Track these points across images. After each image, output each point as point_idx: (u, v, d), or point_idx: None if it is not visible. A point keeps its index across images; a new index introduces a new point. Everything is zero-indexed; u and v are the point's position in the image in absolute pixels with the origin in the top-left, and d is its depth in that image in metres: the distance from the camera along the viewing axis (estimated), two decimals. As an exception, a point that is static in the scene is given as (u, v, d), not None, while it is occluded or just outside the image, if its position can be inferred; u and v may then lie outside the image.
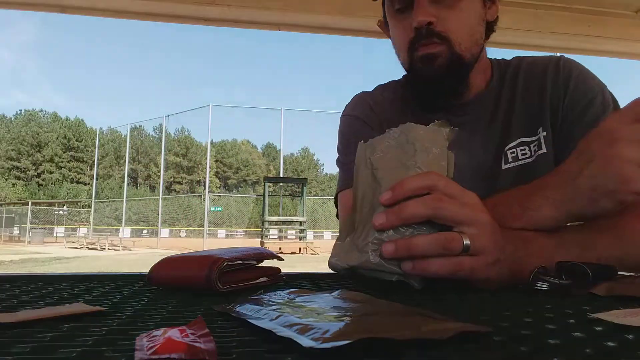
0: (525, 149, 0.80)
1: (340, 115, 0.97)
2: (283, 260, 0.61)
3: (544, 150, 0.79)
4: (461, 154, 0.83)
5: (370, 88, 0.98)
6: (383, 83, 0.97)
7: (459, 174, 0.82)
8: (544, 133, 0.79)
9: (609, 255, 0.61)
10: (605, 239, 0.62)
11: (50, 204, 33.82)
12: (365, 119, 0.90)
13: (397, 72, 0.90)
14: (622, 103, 0.77)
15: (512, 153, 0.81)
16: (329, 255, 0.55)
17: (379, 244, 0.48)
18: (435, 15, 0.72)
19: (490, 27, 0.82)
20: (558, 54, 0.86)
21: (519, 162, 0.80)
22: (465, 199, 0.49)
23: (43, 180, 45.89)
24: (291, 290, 0.45)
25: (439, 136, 0.53)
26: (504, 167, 0.81)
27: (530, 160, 0.80)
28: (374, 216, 0.49)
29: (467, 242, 0.47)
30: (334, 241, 0.58)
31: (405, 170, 0.50)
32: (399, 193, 0.48)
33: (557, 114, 0.79)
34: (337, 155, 0.95)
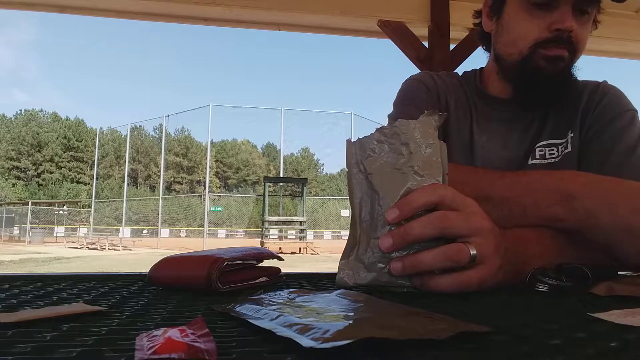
0: (553, 150, 0.85)
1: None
2: (283, 260, 0.61)
3: (570, 149, 0.84)
4: (497, 143, 0.88)
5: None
6: (437, 72, 1.00)
7: (490, 162, 0.87)
8: (572, 134, 0.85)
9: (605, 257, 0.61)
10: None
11: (50, 204, 33.82)
12: (427, 84, 0.95)
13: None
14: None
15: (540, 151, 0.86)
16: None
17: (387, 261, 0.48)
18: (575, 27, 0.78)
19: None
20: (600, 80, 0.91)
21: (546, 161, 0.85)
22: (468, 209, 0.50)
23: (43, 180, 45.89)
24: (291, 290, 0.45)
25: (430, 126, 0.52)
26: (530, 162, 0.86)
27: (556, 159, 0.85)
28: (380, 239, 0.48)
29: (473, 252, 0.47)
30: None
31: (402, 175, 0.50)
32: (405, 212, 0.48)
33: (585, 120, 0.85)
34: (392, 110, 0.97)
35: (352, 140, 0.55)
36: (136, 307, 0.41)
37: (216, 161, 44.65)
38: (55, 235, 27.27)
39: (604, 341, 0.29)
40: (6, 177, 44.26)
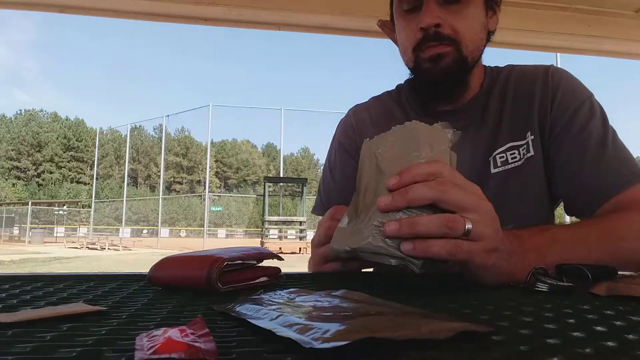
0: (514, 153, 0.82)
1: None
2: (283, 260, 0.61)
3: (532, 153, 0.81)
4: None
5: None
6: (377, 95, 1.01)
7: None
8: (532, 137, 0.82)
9: (600, 249, 0.62)
10: (595, 234, 0.64)
11: (50, 204, 33.81)
12: (347, 146, 0.97)
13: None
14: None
15: (501, 157, 0.83)
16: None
17: (382, 227, 0.49)
18: (442, 18, 0.75)
19: (488, 37, 0.85)
20: (548, 63, 0.88)
21: (509, 166, 0.82)
22: (469, 187, 0.51)
23: (43, 180, 45.86)
24: (291, 290, 0.45)
25: (443, 136, 0.54)
26: (493, 171, 0.83)
27: (519, 163, 0.82)
28: (379, 198, 0.49)
29: (469, 226, 0.47)
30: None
31: (409, 161, 0.51)
32: (406, 178, 0.48)
33: (546, 121, 0.82)
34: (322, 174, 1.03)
35: (368, 140, 0.58)
36: (136, 307, 0.41)
37: (216, 161, 44.64)
38: (55, 235, 27.27)
39: (603, 341, 0.29)
40: (6, 177, 44.24)
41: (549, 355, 0.25)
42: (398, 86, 0.97)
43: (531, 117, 0.82)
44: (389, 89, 1.00)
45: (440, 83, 0.80)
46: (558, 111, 0.81)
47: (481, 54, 0.84)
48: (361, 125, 0.96)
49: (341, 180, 0.96)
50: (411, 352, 0.26)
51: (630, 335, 0.30)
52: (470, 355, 0.26)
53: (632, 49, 3.24)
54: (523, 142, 0.82)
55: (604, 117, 0.80)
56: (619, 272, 0.54)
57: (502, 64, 0.94)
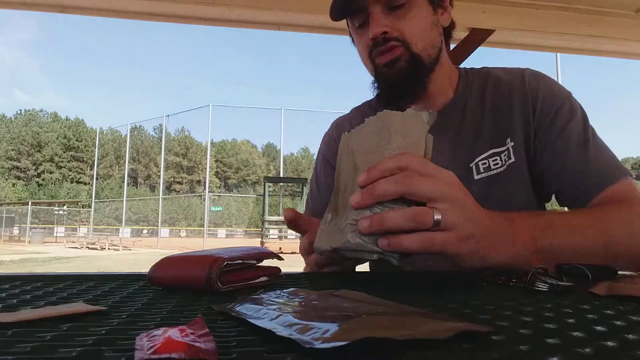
0: (496, 159, 0.84)
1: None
2: (283, 260, 0.61)
3: (513, 159, 0.83)
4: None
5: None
6: (358, 105, 1.05)
7: None
8: (512, 143, 0.83)
9: (595, 240, 0.62)
10: (591, 224, 0.65)
11: (50, 204, 33.81)
12: (329, 158, 1.00)
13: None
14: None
15: (483, 164, 0.84)
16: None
17: (357, 224, 0.50)
18: (389, 26, 0.79)
19: (447, 32, 0.88)
20: (524, 67, 0.90)
21: (491, 172, 0.83)
22: (439, 176, 0.51)
23: (43, 180, 45.85)
24: (291, 290, 0.45)
25: (416, 120, 0.54)
26: (476, 177, 0.84)
27: (502, 169, 0.83)
28: (351, 196, 0.50)
29: (437, 217, 0.48)
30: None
31: (381, 154, 0.52)
32: (373, 174, 0.49)
33: (530, 126, 0.83)
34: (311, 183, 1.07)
35: (346, 134, 0.59)
36: (136, 307, 0.41)
37: (216, 161, 44.63)
38: (55, 235, 27.28)
39: (604, 341, 0.29)
40: (6, 177, 44.24)
41: (549, 355, 0.25)
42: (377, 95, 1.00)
43: (511, 124, 0.83)
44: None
45: (399, 84, 0.83)
46: (541, 115, 0.82)
47: (439, 50, 0.85)
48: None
49: (326, 193, 0.98)
50: (411, 352, 0.26)
51: (630, 335, 0.30)
52: (470, 355, 0.26)
53: (632, 49, 3.24)
54: (503, 148, 0.83)
55: (584, 115, 0.82)
56: (619, 272, 0.54)
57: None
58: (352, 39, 0.91)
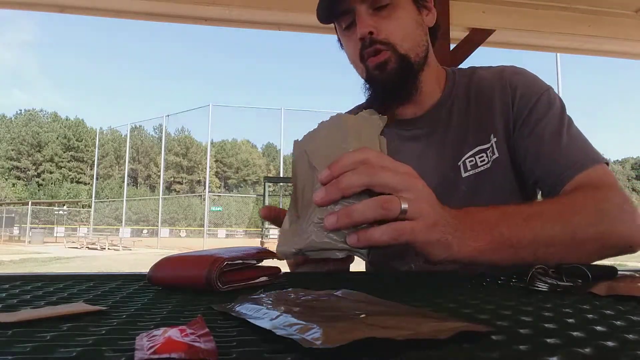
0: (483, 156, 0.85)
1: None
2: (283, 259, 0.61)
3: (497, 155, 0.84)
4: (422, 166, 0.89)
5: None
6: (350, 109, 1.05)
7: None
8: (495, 139, 0.85)
9: (554, 223, 0.63)
10: (551, 209, 0.65)
11: (50, 204, 33.83)
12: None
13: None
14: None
15: (470, 162, 0.86)
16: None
17: (322, 223, 0.49)
18: (375, 26, 0.81)
19: (433, 33, 0.90)
20: (506, 64, 0.91)
21: (479, 169, 0.85)
22: (399, 169, 0.51)
23: (43, 180, 45.85)
24: (291, 290, 0.45)
25: (369, 124, 0.55)
26: (464, 175, 0.86)
27: (488, 165, 0.85)
28: (314, 194, 0.50)
29: (404, 205, 0.48)
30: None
31: (338, 154, 0.52)
32: (336, 169, 0.49)
33: (509, 121, 0.84)
34: None
35: (298, 140, 0.58)
36: (136, 307, 0.41)
37: (216, 161, 44.62)
38: (55, 235, 27.28)
39: (603, 341, 0.29)
40: (6, 177, 44.25)
41: (549, 355, 0.25)
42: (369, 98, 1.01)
43: (493, 120, 0.85)
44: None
45: (392, 87, 0.84)
46: (519, 108, 0.84)
47: (426, 50, 0.87)
48: None
49: None
50: (411, 352, 0.26)
51: (630, 335, 0.30)
52: (470, 355, 0.26)
53: (632, 49, 3.24)
54: (488, 145, 0.85)
55: (561, 107, 0.83)
56: (619, 272, 0.54)
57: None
58: (340, 43, 0.92)
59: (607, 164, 0.77)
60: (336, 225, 0.48)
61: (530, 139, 0.81)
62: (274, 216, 0.68)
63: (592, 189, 0.72)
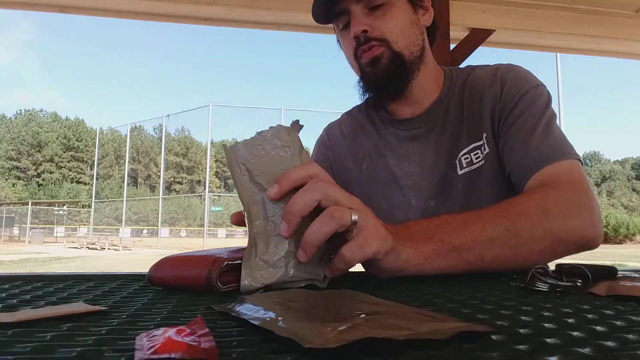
0: (477, 153, 0.86)
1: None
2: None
3: (488, 150, 0.85)
4: (420, 165, 0.90)
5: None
6: (348, 110, 1.07)
7: (414, 185, 0.90)
8: (485, 134, 0.86)
9: (496, 225, 0.63)
10: (491, 213, 0.65)
11: (50, 204, 33.83)
12: (321, 163, 1.02)
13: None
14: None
15: (466, 159, 0.87)
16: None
17: (291, 255, 0.50)
18: (369, 25, 0.82)
19: (431, 33, 0.91)
20: (505, 63, 0.91)
21: (474, 166, 0.86)
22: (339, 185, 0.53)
23: (43, 180, 45.84)
24: (291, 290, 0.45)
25: (295, 134, 0.56)
26: (460, 172, 0.86)
27: (482, 162, 0.86)
28: (280, 228, 0.50)
29: (355, 217, 0.49)
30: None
31: (282, 168, 0.53)
32: (285, 185, 0.50)
33: (495, 115, 0.85)
34: None
35: (230, 146, 0.55)
36: (136, 307, 0.41)
37: (216, 161, 44.58)
38: (55, 235, 27.28)
39: (603, 341, 0.29)
40: (6, 177, 44.24)
41: (549, 355, 0.25)
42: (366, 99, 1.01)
43: (484, 116, 0.86)
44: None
45: (384, 83, 0.85)
46: (505, 103, 0.84)
47: (421, 48, 0.87)
48: (333, 142, 1.03)
49: None
50: (411, 352, 0.26)
51: (630, 335, 0.30)
52: (470, 355, 0.26)
53: (632, 49, 3.24)
54: (481, 142, 0.86)
55: (546, 103, 0.83)
56: (619, 272, 0.54)
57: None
58: (339, 42, 0.93)
59: (580, 161, 0.77)
60: (305, 256, 0.49)
61: (508, 133, 0.82)
62: (243, 222, 0.68)
63: (544, 187, 0.72)
